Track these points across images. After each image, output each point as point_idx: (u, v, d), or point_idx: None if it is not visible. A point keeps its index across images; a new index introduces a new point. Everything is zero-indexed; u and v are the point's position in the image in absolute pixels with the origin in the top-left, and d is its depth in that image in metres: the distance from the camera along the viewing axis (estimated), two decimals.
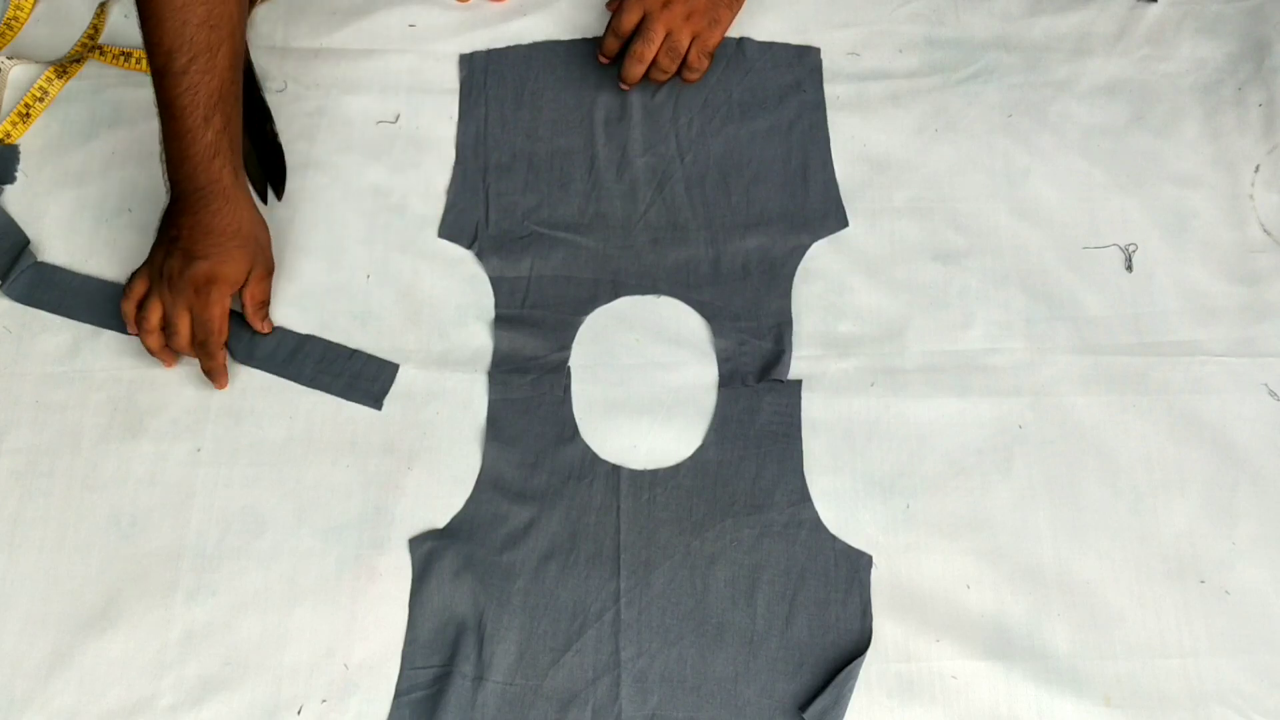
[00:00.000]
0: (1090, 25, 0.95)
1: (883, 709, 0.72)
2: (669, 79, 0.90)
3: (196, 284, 0.77)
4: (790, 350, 0.82)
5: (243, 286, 0.80)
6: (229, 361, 0.81)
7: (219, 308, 0.78)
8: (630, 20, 0.88)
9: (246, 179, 0.80)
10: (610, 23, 0.89)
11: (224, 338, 0.79)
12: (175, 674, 0.73)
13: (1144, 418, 0.81)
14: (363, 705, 0.72)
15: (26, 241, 0.84)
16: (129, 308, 0.80)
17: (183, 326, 0.78)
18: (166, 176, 0.78)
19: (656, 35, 0.87)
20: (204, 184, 0.76)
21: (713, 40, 0.89)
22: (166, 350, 0.80)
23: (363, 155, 0.90)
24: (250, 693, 0.73)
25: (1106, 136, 0.91)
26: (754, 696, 0.73)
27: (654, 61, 0.88)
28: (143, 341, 0.80)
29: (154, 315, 0.79)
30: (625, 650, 0.74)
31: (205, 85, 0.74)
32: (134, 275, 0.80)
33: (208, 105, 0.74)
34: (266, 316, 0.82)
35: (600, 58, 0.91)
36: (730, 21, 0.90)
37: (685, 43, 0.88)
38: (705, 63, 0.89)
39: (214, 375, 0.80)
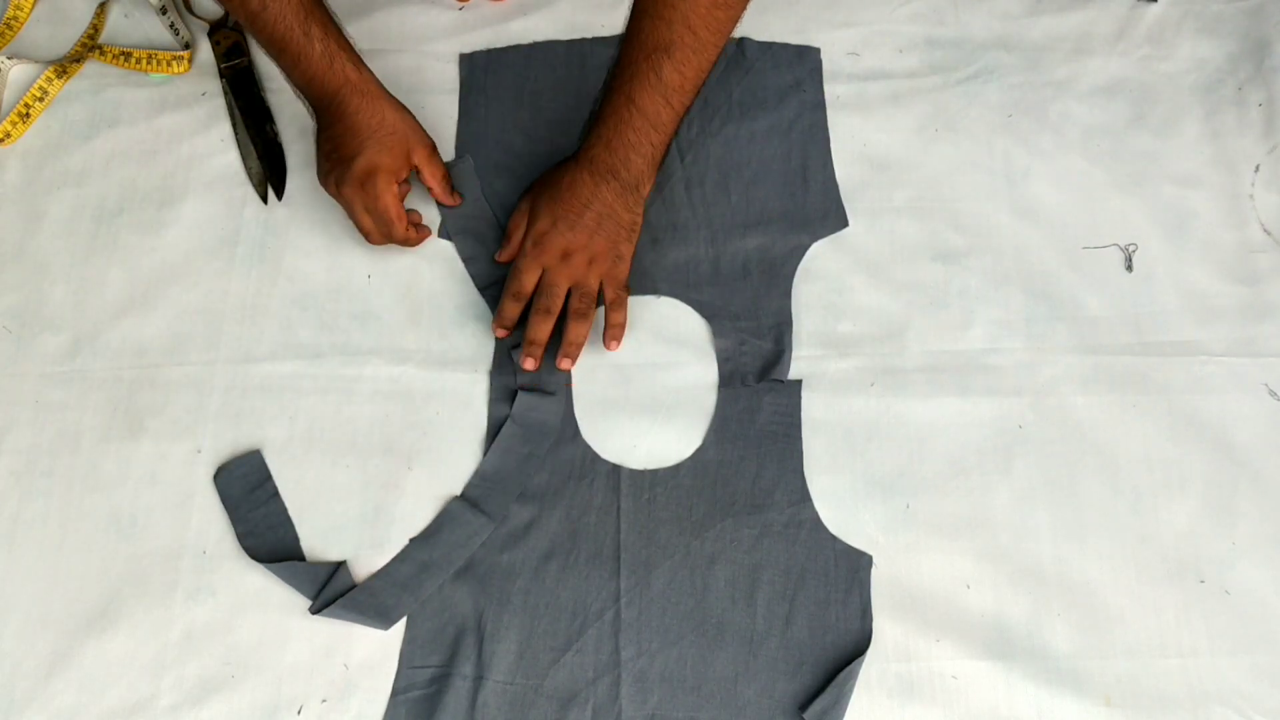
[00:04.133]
0: (1090, 25, 0.95)
1: (883, 709, 0.72)
2: (588, 323, 0.80)
3: (360, 181, 0.79)
4: (790, 350, 0.82)
5: (413, 175, 0.84)
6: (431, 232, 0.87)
7: (386, 197, 0.80)
8: (529, 280, 0.80)
9: (372, 74, 0.82)
10: (507, 286, 0.81)
11: (403, 222, 0.82)
12: (175, 674, 0.73)
13: (1144, 418, 0.81)
14: (363, 705, 0.72)
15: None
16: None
17: (365, 223, 0.81)
18: (307, 106, 0.85)
19: (559, 288, 0.80)
20: (334, 90, 0.79)
21: (623, 273, 0.81)
22: (386, 240, 0.83)
23: None
24: (250, 693, 0.73)
25: (1106, 136, 0.91)
26: (754, 696, 0.73)
27: (565, 310, 0.80)
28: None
29: (353, 219, 0.82)
30: (625, 650, 0.74)
31: (288, 7, 0.77)
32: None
33: (300, 22, 0.77)
34: (452, 190, 0.85)
35: (498, 330, 0.81)
36: (632, 252, 0.82)
37: (595, 285, 0.81)
38: (624, 295, 0.82)
39: (411, 244, 0.84)
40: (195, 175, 0.89)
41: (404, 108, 0.83)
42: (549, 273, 0.80)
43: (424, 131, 0.84)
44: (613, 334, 0.81)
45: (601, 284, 0.81)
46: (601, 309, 0.82)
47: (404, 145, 0.81)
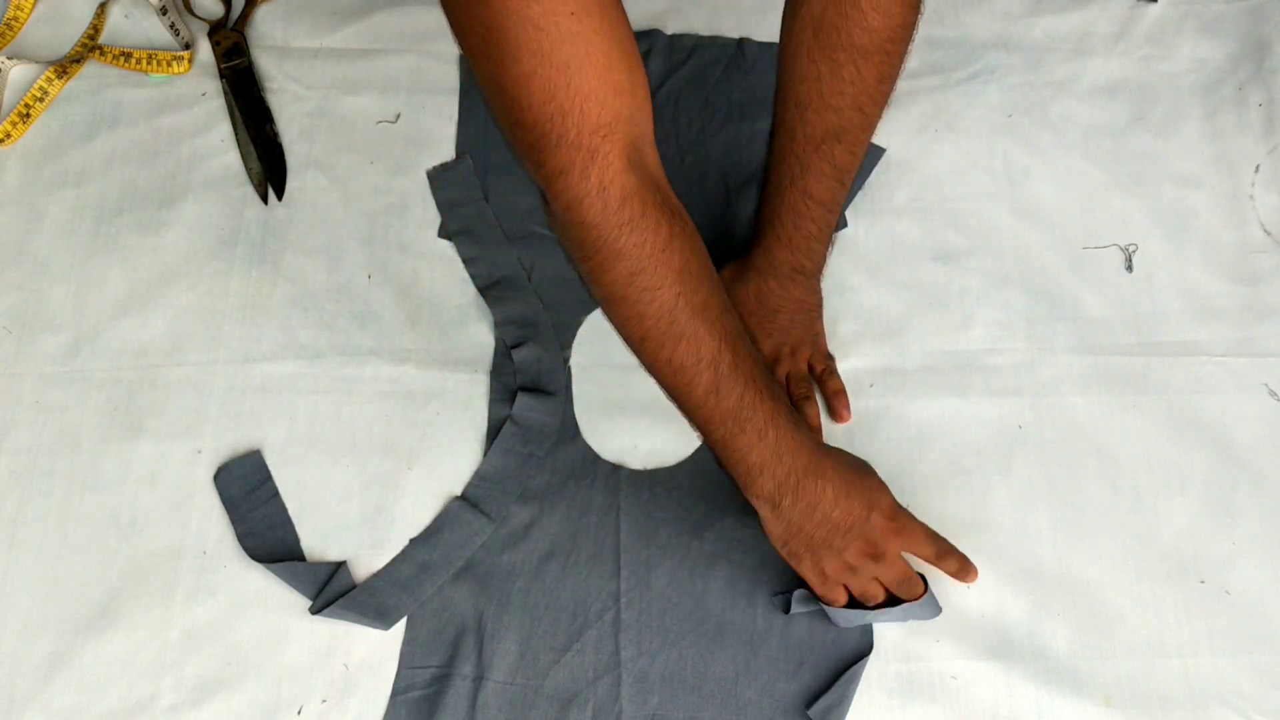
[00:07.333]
0: (1090, 25, 0.95)
1: (883, 709, 0.72)
2: (814, 401, 0.81)
3: (878, 551, 0.69)
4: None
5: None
6: None
7: (902, 562, 0.71)
8: None
9: (782, 395, 0.67)
10: None
11: (912, 575, 0.71)
12: (175, 674, 0.73)
13: (1144, 418, 0.81)
14: (362, 705, 0.72)
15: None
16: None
17: (875, 590, 0.71)
18: (738, 483, 0.69)
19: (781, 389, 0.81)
20: (804, 467, 0.66)
21: (823, 345, 0.82)
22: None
23: (363, 155, 0.90)
24: (250, 693, 0.73)
25: (1106, 136, 0.91)
26: (754, 696, 0.73)
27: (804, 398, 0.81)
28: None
29: (865, 593, 0.72)
30: (625, 650, 0.74)
31: (753, 370, 0.64)
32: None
33: (767, 383, 0.65)
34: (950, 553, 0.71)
35: None
36: (822, 321, 0.82)
37: (805, 368, 0.82)
38: (832, 364, 0.82)
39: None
40: (195, 175, 0.89)
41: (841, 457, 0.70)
42: None
43: (874, 474, 0.70)
44: (839, 402, 0.80)
45: (810, 362, 0.81)
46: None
47: (883, 492, 0.70)
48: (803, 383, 0.81)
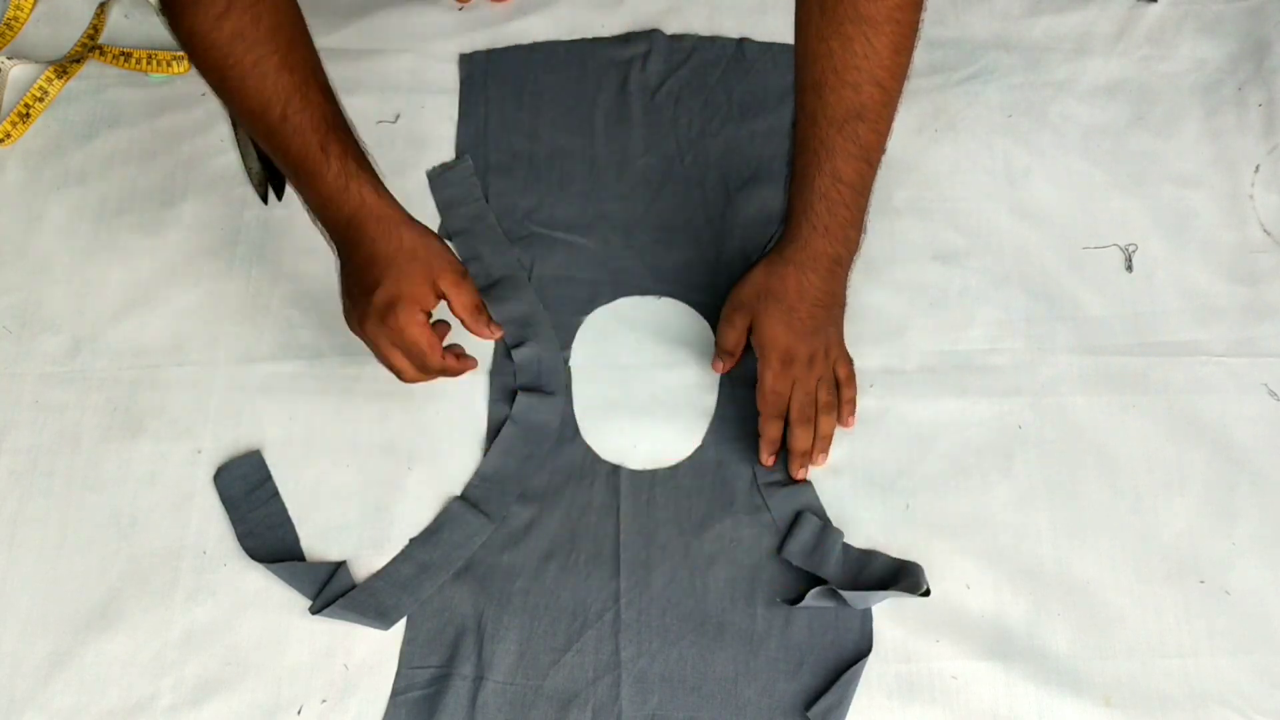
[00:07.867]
0: (1090, 25, 0.95)
1: (883, 709, 0.72)
2: (835, 411, 0.79)
3: (381, 314, 0.70)
4: None
5: (439, 303, 0.72)
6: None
7: (412, 327, 0.70)
8: (786, 395, 0.78)
9: (391, 196, 0.72)
10: (765, 407, 0.78)
11: (437, 350, 0.72)
12: (175, 674, 0.73)
13: (1144, 418, 0.81)
14: (362, 705, 0.72)
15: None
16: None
17: (394, 360, 0.72)
18: (324, 234, 0.73)
19: (814, 394, 0.78)
20: (348, 215, 0.70)
21: (844, 346, 0.80)
22: (424, 376, 0.74)
23: None
24: (250, 693, 0.73)
25: (1106, 136, 0.91)
26: (754, 696, 0.73)
27: (816, 413, 0.79)
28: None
29: (381, 360, 0.73)
30: (625, 650, 0.74)
31: (308, 120, 0.69)
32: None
33: (320, 136, 0.69)
34: (489, 321, 0.73)
35: (770, 459, 0.79)
36: (842, 318, 0.80)
37: (833, 373, 0.79)
38: (853, 368, 0.80)
39: (451, 373, 0.74)
40: (195, 175, 0.89)
41: (426, 230, 0.72)
42: (800, 383, 0.77)
43: (450, 254, 0.73)
44: (846, 410, 0.80)
45: (835, 368, 0.79)
46: None
47: (426, 271, 0.71)
48: (831, 390, 0.79)
